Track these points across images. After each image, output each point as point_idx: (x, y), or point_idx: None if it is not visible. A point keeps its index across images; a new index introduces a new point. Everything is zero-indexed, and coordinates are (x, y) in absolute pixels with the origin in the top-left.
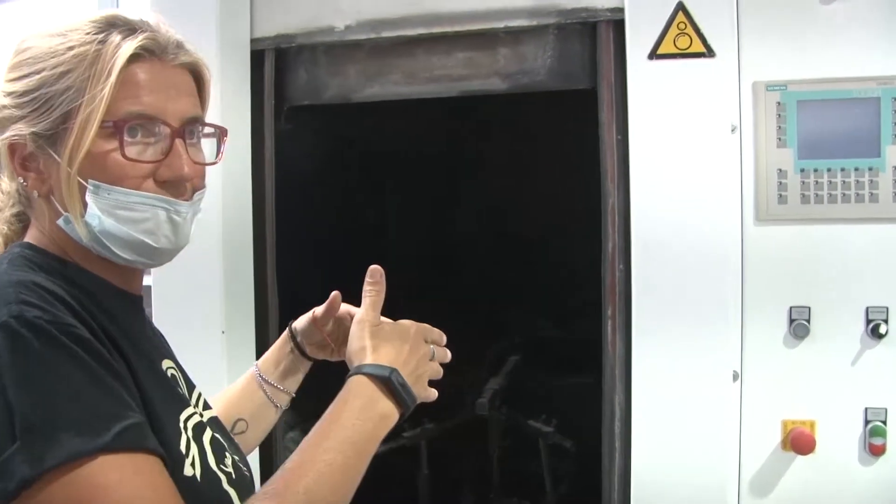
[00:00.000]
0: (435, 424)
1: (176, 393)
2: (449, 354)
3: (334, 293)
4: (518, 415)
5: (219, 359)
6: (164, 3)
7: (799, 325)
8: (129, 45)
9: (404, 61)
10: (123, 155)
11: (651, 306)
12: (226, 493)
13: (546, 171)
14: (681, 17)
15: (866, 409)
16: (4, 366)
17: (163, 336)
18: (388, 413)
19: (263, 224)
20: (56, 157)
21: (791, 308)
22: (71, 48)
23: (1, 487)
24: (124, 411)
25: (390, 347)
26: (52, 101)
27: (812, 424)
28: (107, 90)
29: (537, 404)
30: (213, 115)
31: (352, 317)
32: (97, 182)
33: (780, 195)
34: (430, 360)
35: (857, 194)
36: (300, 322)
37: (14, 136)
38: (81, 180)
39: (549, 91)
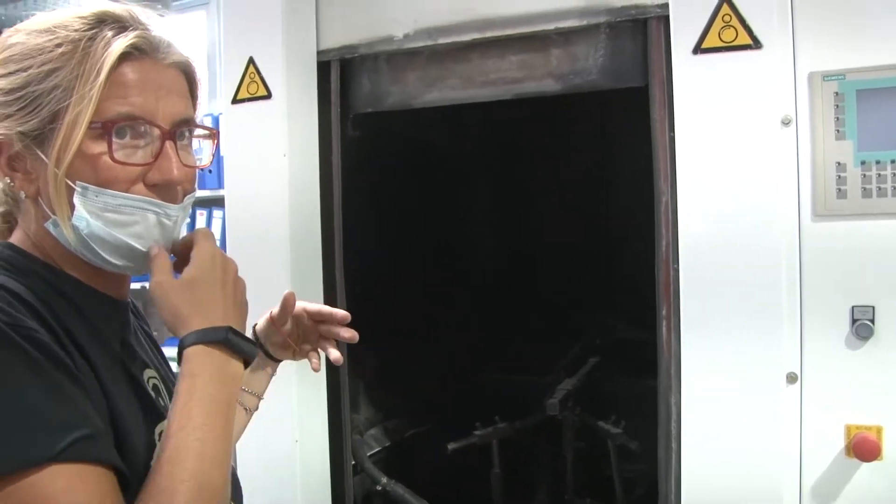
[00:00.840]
0: (507, 424)
1: (153, 405)
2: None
3: (287, 292)
4: (589, 416)
5: (289, 363)
6: (234, 22)
7: (862, 326)
8: (120, 44)
9: (460, 66)
10: (112, 157)
11: (701, 306)
12: None
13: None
14: (725, 9)
15: None
16: None
17: (154, 344)
18: (237, 372)
19: (331, 227)
20: (44, 157)
21: (853, 307)
22: (59, 45)
23: None
24: (78, 421)
25: (204, 300)
26: (39, 99)
27: (878, 430)
28: (95, 90)
29: (610, 406)
30: (280, 126)
31: (308, 314)
32: (85, 184)
33: (839, 189)
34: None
35: None
36: (260, 323)
37: (1, 135)
38: (69, 182)
39: (605, 90)
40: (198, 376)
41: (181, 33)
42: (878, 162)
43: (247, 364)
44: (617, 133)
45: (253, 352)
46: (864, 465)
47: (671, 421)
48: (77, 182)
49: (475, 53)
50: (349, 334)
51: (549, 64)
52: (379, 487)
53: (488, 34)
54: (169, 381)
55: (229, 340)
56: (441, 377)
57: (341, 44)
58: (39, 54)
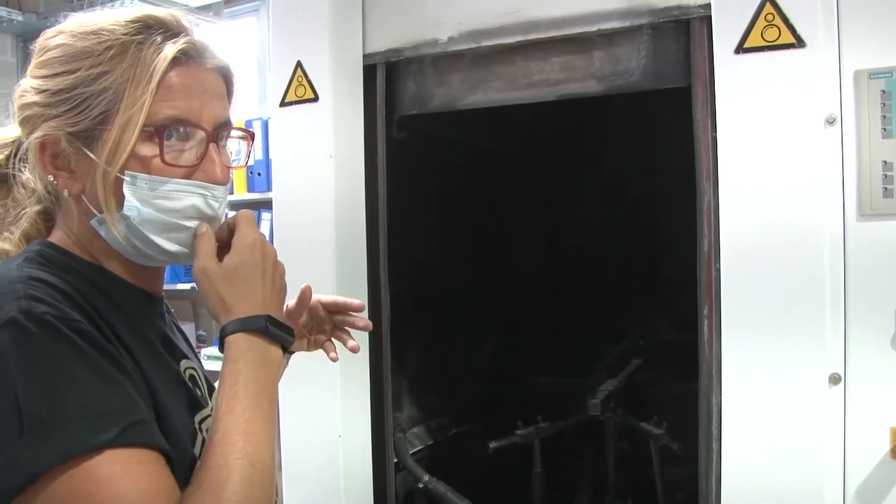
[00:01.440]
0: (549, 424)
1: (192, 394)
2: None
3: (304, 286)
4: (631, 417)
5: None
6: (282, 25)
7: None
8: (171, 49)
9: (504, 68)
10: (163, 159)
11: (743, 306)
12: None
13: (673, 172)
14: (768, 7)
15: None
16: (13, 361)
17: (185, 337)
18: (276, 356)
19: (377, 227)
20: (92, 156)
21: None
22: (108, 48)
23: (6, 483)
24: (129, 407)
25: (244, 287)
26: (89, 101)
27: None
28: (148, 94)
29: (652, 408)
30: (326, 128)
31: (323, 306)
32: (134, 173)
33: (886, 188)
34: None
35: None
36: None
37: (47, 134)
38: (119, 175)
39: (647, 90)
40: (240, 361)
41: (232, 40)
42: None
43: (285, 349)
44: (663, 134)
45: (288, 339)
46: None
47: (712, 421)
48: (126, 172)
49: (518, 56)
50: (363, 323)
51: (591, 65)
52: (421, 485)
53: (532, 36)
54: (201, 371)
55: (268, 329)
56: (484, 378)
57: (387, 47)
58: (87, 57)
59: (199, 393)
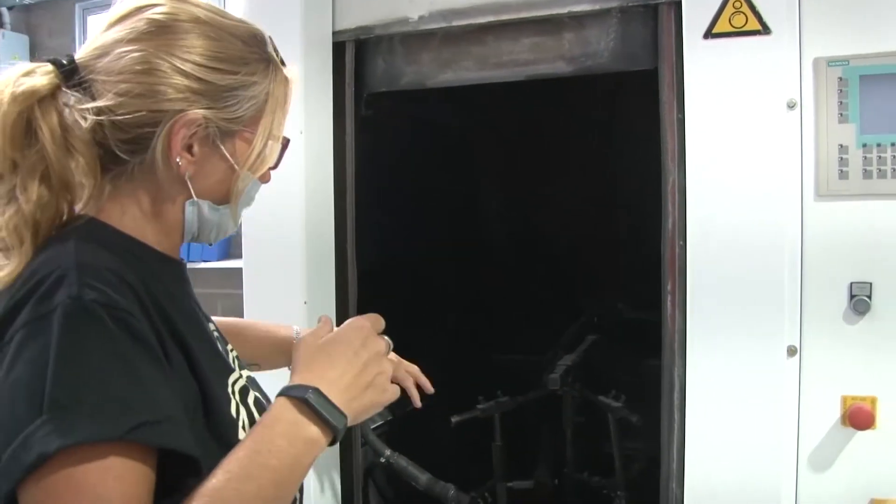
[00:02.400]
0: (509, 398)
1: (223, 359)
2: (391, 343)
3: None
4: (589, 391)
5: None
6: (253, 3)
7: (859, 301)
8: (294, 75)
9: (475, 48)
10: (276, 166)
11: (706, 282)
12: None
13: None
14: None
15: None
16: (53, 346)
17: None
18: (314, 437)
19: (344, 204)
20: (223, 149)
21: (852, 284)
22: (258, 61)
23: (22, 459)
24: (149, 406)
25: (323, 361)
26: (241, 103)
27: (873, 400)
28: (285, 116)
29: (609, 384)
30: (297, 104)
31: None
32: (251, 177)
33: (841, 171)
34: (387, 354)
35: None
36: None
37: (196, 119)
38: (248, 173)
39: (613, 72)
40: (270, 427)
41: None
42: (878, 145)
43: (335, 437)
44: (628, 116)
45: (337, 423)
46: (859, 433)
47: (674, 392)
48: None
49: (489, 36)
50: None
51: (561, 47)
52: (382, 459)
53: (503, 17)
54: (219, 330)
55: (308, 402)
56: (445, 354)
57: (356, 25)
58: (245, 64)
59: (225, 356)
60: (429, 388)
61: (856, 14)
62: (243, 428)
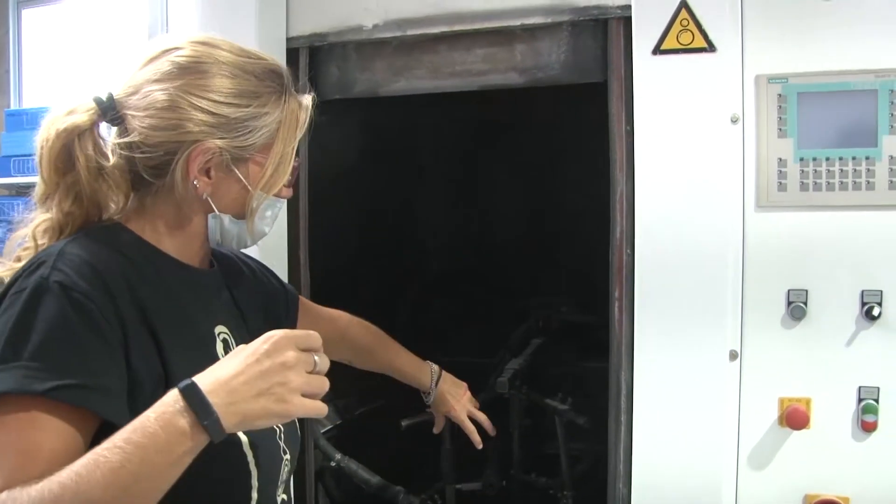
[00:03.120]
0: None
1: (213, 355)
2: (327, 362)
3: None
4: (537, 394)
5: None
6: (206, 7)
7: (796, 308)
8: (308, 105)
9: (428, 57)
10: (288, 185)
11: (654, 289)
12: (237, 438)
13: (573, 161)
14: (684, 13)
15: (860, 387)
16: (16, 312)
17: (234, 303)
18: (184, 428)
19: (297, 210)
20: (237, 172)
21: (789, 291)
22: (270, 94)
23: None
24: (79, 372)
25: (225, 362)
26: (252, 133)
27: (808, 402)
28: (296, 141)
29: (556, 385)
30: None
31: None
32: (265, 196)
33: (780, 183)
34: (312, 370)
35: (855, 182)
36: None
37: (208, 145)
38: (261, 192)
39: (564, 84)
40: (152, 409)
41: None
42: (814, 159)
43: (212, 437)
44: (573, 125)
45: (202, 420)
46: (795, 433)
47: (621, 396)
48: (258, 192)
49: (443, 45)
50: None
51: (513, 58)
52: (333, 463)
53: (456, 27)
54: (243, 337)
55: (185, 392)
56: None
57: (310, 31)
58: (257, 97)
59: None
60: (489, 428)
61: (795, 34)
62: None
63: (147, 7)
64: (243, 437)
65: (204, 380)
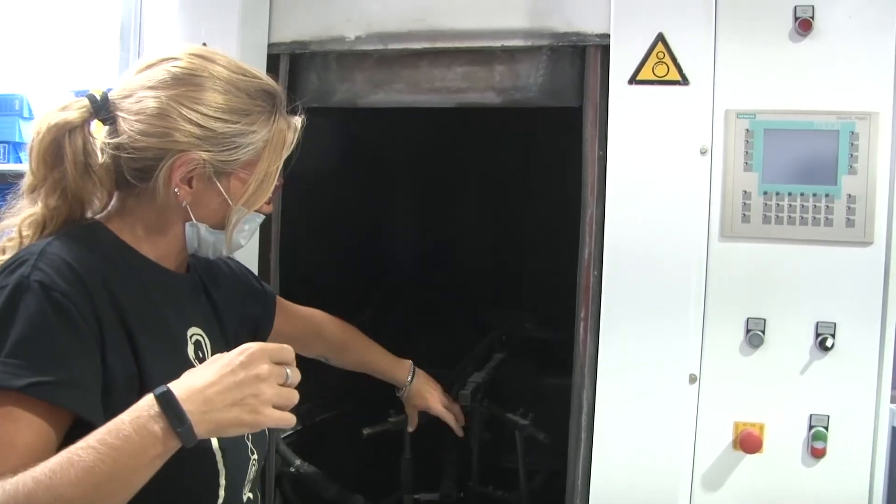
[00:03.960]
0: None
1: (184, 356)
2: (298, 375)
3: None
4: (498, 408)
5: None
6: (189, 9)
7: (754, 335)
8: (296, 126)
9: (408, 72)
10: (269, 202)
11: (619, 310)
12: (210, 445)
13: (538, 181)
14: (660, 46)
15: (811, 415)
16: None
17: (211, 305)
18: (156, 432)
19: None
20: (219, 185)
21: (748, 319)
22: (260, 113)
23: None
24: (55, 369)
25: (200, 371)
26: (239, 149)
27: (761, 427)
28: (281, 161)
29: (517, 400)
30: None
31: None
32: (244, 210)
33: (744, 214)
34: (284, 383)
35: (814, 218)
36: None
37: (193, 156)
38: (242, 208)
39: (540, 107)
40: (127, 412)
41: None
42: (777, 193)
43: (184, 442)
44: (544, 147)
45: (174, 426)
46: (748, 456)
47: (583, 414)
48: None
49: (423, 61)
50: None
51: (492, 78)
52: (292, 469)
53: (438, 44)
54: (217, 339)
55: (160, 399)
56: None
57: (293, 39)
58: (247, 115)
59: (201, 356)
60: (461, 422)
61: (764, 73)
62: None
63: (120, 6)
64: (213, 439)
65: (179, 387)
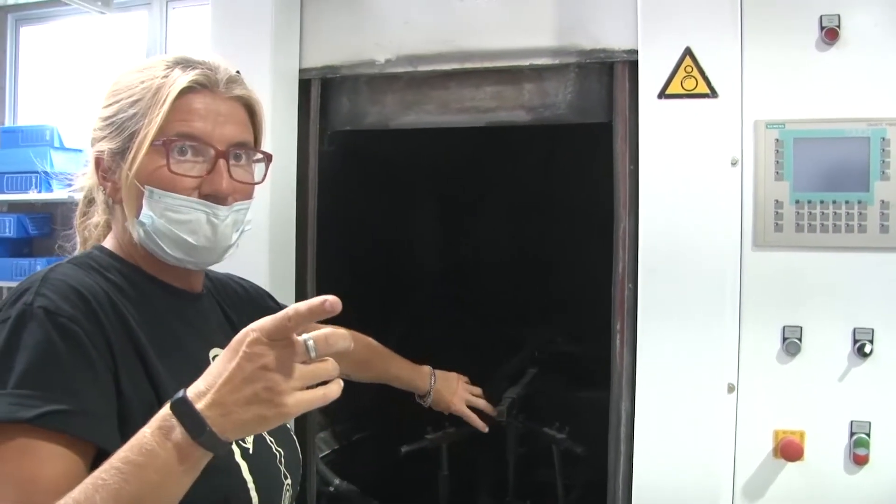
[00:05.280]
0: (456, 428)
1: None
2: (328, 340)
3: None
4: (533, 423)
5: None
6: (222, 38)
7: (791, 343)
8: (184, 79)
9: (438, 93)
10: (169, 169)
11: (655, 322)
12: (235, 464)
13: (561, 196)
14: (688, 61)
15: (852, 421)
16: (2, 340)
17: (230, 326)
18: (180, 441)
19: (305, 235)
20: (124, 167)
21: (784, 327)
22: (143, 82)
23: None
24: (66, 398)
25: (212, 370)
26: (125, 123)
27: (801, 434)
28: (160, 115)
29: (552, 414)
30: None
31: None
32: (151, 188)
33: (777, 224)
34: (308, 359)
35: (847, 225)
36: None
37: (98, 151)
38: (139, 185)
39: (568, 124)
40: (147, 426)
41: (121, 32)
42: (809, 202)
43: (211, 449)
44: (569, 162)
45: (195, 431)
46: (789, 464)
47: (621, 426)
48: (145, 185)
49: (453, 82)
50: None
51: (521, 97)
52: (331, 488)
53: (467, 65)
54: None
55: (175, 407)
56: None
57: (323, 64)
58: (129, 90)
59: None
60: (490, 411)
61: (792, 82)
62: None
63: (146, 30)
64: (243, 463)
65: (193, 392)
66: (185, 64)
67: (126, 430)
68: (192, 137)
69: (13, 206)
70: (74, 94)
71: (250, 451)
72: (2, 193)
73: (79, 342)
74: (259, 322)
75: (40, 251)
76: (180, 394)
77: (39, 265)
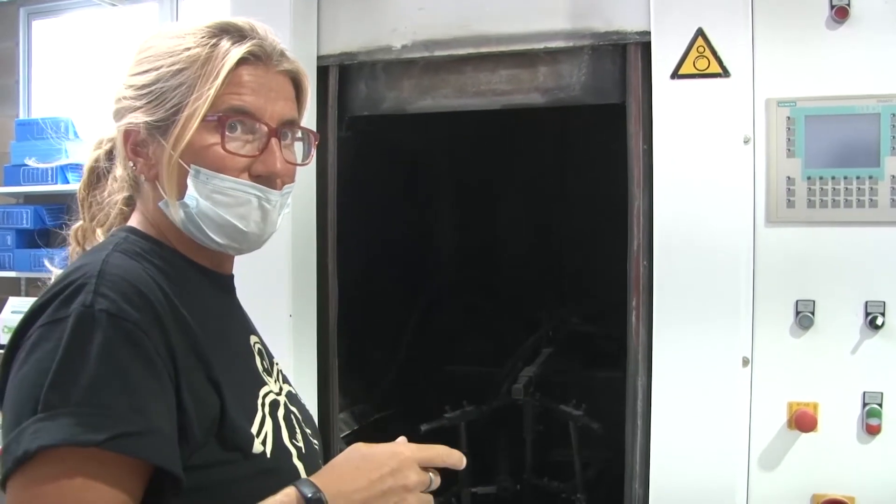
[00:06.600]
0: (474, 407)
1: (255, 371)
2: (439, 481)
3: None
4: (550, 400)
5: (286, 338)
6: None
7: (804, 317)
8: (238, 51)
9: (454, 77)
10: (223, 147)
11: (670, 299)
12: (294, 467)
13: (580, 177)
14: (700, 41)
15: (864, 392)
16: (60, 347)
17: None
18: None
19: (325, 219)
20: (165, 144)
21: (797, 301)
22: (187, 49)
23: (12, 452)
24: (135, 417)
25: (348, 472)
26: (166, 94)
27: (815, 406)
28: (213, 88)
29: (566, 393)
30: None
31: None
32: (198, 167)
33: (789, 200)
34: (427, 490)
35: (859, 200)
36: None
37: (130, 123)
38: (184, 164)
39: (583, 105)
40: None
41: (132, 24)
42: (821, 178)
43: None
44: (576, 147)
45: None
46: (803, 435)
47: (638, 401)
48: (191, 165)
49: (469, 66)
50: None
51: (536, 79)
52: None
53: (482, 49)
54: (265, 344)
55: (307, 500)
56: (403, 367)
57: (341, 50)
58: (169, 56)
59: (262, 367)
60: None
61: (803, 61)
62: (262, 442)
63: (157, 22)
64: (299, 464)
65: (328, 488)
66: (231, 32)
67: (183, 447)
68: (244, 113)
69: (29, 198)
70: (87, 86)
71: (303, 451)
72: (18, 185)
73: (145, 352)
74: (413, 446)
75: (57, 242)
76: (314, 488)
77: (56, 256)
